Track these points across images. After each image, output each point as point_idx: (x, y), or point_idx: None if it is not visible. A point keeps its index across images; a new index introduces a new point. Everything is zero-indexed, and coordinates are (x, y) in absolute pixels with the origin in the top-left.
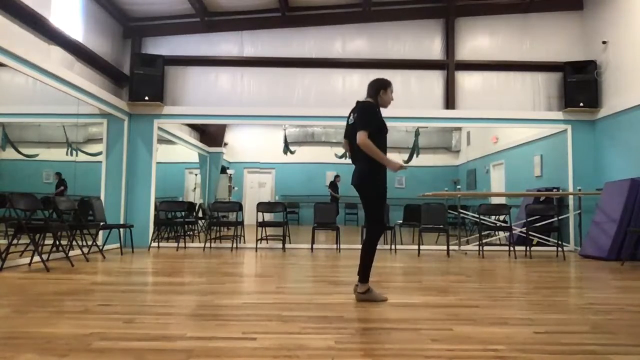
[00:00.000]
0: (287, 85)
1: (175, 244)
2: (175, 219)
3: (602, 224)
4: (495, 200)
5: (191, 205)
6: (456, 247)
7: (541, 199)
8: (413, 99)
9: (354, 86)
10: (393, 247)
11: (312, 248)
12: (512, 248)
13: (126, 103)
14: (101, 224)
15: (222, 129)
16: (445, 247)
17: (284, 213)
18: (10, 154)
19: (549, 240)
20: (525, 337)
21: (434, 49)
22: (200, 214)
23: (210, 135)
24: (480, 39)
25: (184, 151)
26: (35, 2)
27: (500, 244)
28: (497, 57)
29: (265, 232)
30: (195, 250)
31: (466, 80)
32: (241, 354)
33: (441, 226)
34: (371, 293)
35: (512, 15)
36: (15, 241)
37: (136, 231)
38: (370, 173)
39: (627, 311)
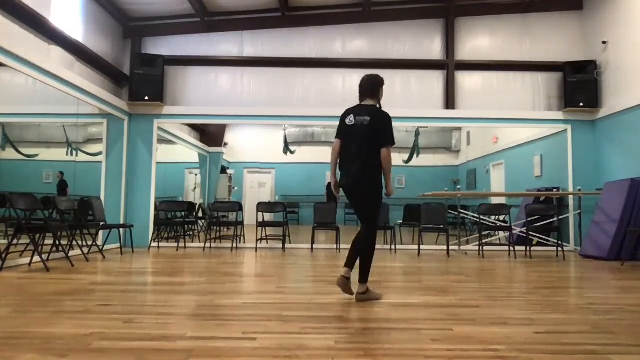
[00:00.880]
0: (287, 85)
1: (175, 244)
2: (175, 219)
3: (602, 224)
4: (495, 200)
5: (191, 205)
6: (456, 247)
7: (541, 199)
8: (413, 99)
9: (354, 86)
10: (393, 247)
11: (312, 248)
12: (512, 248)
13: (126, 103)
14: (101, 224)
15: (222, 129)
16: (445, 247)
17: (284, 213)
18: (10, 154)
19: (549, 240)
20: (525, 337)
21: (434, 49)
22: (200, 214)
23: (210, 135)
24: (480, 39)
25: (184, 151)
26: (35, 2)
27: (500, 244)
28: (497, 57)
29: (265, 232)
30: (195, 250)
31: (466, 80)
32: (241, 354)
33: (441, 226)
34: (370, 293)
35: (512, 15)
36: (15, 241)
37: (136, 231)
38: (378, 175)
39: (627, 311)
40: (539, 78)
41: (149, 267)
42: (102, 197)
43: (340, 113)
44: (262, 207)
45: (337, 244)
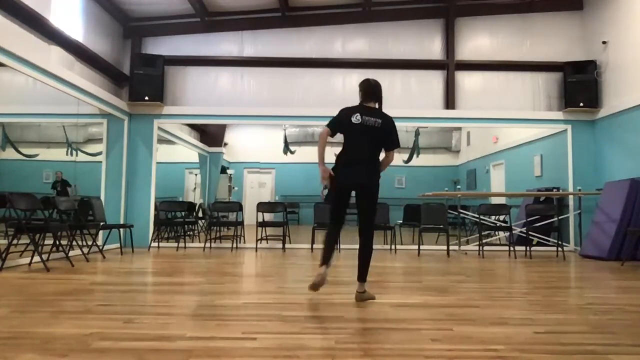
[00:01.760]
0: (287, 85)
1: (175, 244)
2: (175, 219)
3: (602, 224)
4: (495, 200)
5: (191, 205)
6: (456, 247)
7: (541, 199)
8: (413, 99)
9: (353, 86)
10: (393, 247)
11: (312, 248)
12: (512, 248)
13: (126, 103)
14: (101, 224)
15: (222, 129)
16: (445, 247)
17: (284, 213)
18: (10, 154)
19: (549, 240)
20: (525, 337)
21: (434, 49)
22: (200, 214)
23: (210, 135)
24: (480, 39)
25: (184, 151)
26: (35, 2)
27: (500, 244)
28: (497, 57)
29: (265, 232)
30: (195, 250)
31: (466, 80)
32: (241, 354)
33: (441, 226)
34: (367, 292)
35: (512, 15)
36: (15, 241)
37: (136, 231)
38: (379, 176)
39: (627, 311)
40: (539, 78)
41: (149, 267)
42: (102, 197)
43: None
44: (262, 207)
45: (337, 244)
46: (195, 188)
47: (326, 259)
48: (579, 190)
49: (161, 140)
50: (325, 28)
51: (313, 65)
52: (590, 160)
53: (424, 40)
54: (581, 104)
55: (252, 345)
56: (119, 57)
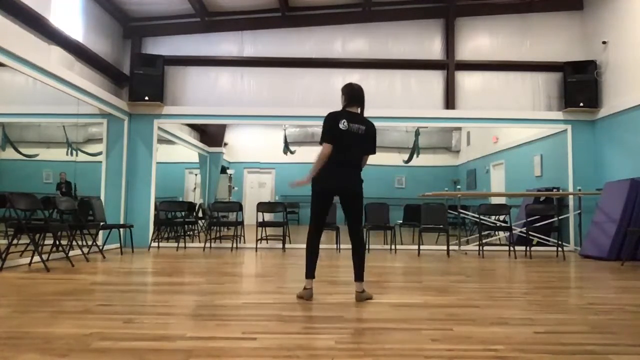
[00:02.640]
0: (287, 85)
1: (175, 244)
2: (175, 219)
3: (602, 224)
4: (495, 200)
5: (191, 205)
6: (456, 247)
7: (541, 199)
8: (413, 99)
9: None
10: (393, 247)
11: None
12: (512, 248)
13: (126, 103)
14: (101, 224)
15: (222, 129)
16: (445, 247)
17: (284, 213)
18: (10, 154)
19: (549, 240)
20: (525, 337)
21: (434, 49)
22: (200, 214)
23: (210, 135)
24: (480, 39)
25: (184, 151)
26: (35, 2)
27: (500, 244)
28: (497, 57)
29: (265, 232)
30: (195, 250)
31: (466, 80)
32: (241, 354)
33: (441, 226)
34: (366, 292)
35: (512, 15)
36: (15, 241)
37: (136, 231)
38: (362, 181)
39: (627, 311)
40: (539, 78)
41: (149, 267)
42: (102, 197)
43: None
44: (262, 207)
45: (337, 244)
46: (195, 188)
47: (311, 271)
48: (579, 190)
49: (161, 140)
50: (325, 28)
51: (313, 65)
52: (590, 160)
53: (424, 40)
54: (581, 104)
55: (252, 345)
56: (119, 57)
